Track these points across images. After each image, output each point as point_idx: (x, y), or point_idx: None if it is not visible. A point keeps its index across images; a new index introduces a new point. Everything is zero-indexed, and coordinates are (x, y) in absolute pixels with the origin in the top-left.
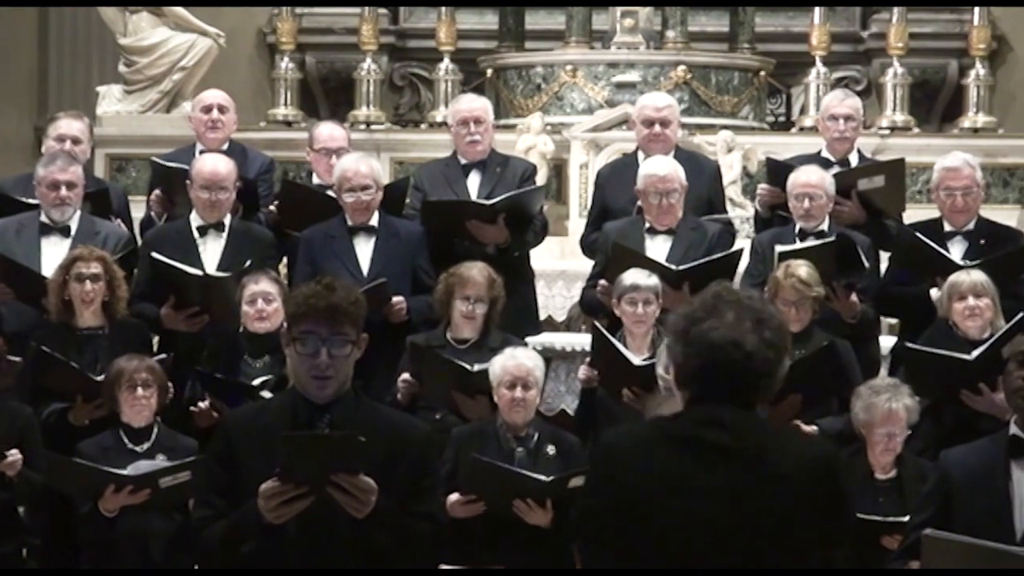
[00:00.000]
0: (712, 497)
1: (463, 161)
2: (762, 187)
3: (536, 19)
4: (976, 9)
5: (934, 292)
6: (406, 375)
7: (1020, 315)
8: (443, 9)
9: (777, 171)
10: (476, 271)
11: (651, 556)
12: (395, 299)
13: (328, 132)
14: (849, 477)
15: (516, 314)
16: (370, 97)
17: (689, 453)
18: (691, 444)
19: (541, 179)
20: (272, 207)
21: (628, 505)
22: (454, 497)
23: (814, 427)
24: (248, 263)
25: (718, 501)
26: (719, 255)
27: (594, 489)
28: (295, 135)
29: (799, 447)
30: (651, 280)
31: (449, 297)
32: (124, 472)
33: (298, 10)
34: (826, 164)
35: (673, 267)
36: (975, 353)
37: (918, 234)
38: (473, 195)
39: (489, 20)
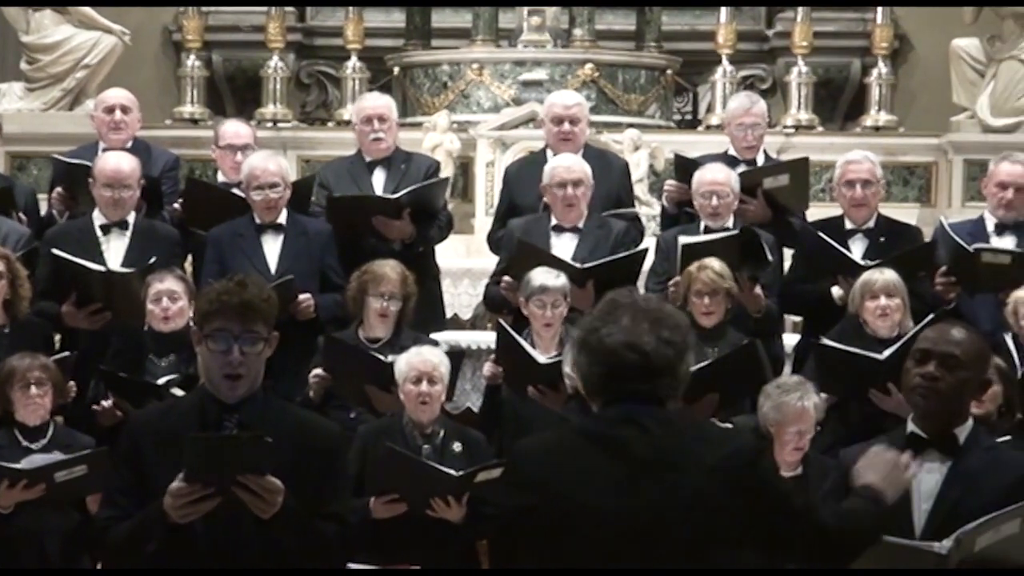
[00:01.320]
0: (628, 494)
1: (368, 159)
2: (669, 183)
3: (443, 17)
4: (879, 8)
5: (835, 290)
6: (318, 370)
7: (930, 316)
8: (350, 7)
9: (684, 167)
10: (389, 268)
11: (572, 556)
12: (302, 296)
13: (233, 129)
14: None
15: (421, 310)
16: (277, 95)
17: (605, 451)
18: (606, 443)
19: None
20: (177, 205)
21: (547, 506)
22: (375, 499)
23: (729, 425)
24: (152, 260)
25: (634, 498)
26: (624, 254)
27: (512, 493)
28: (201, 133)
29: (717, 440)
30: (560, 281)
31: (362, 295)
32: (18, 466)
33: (204, 8)
34: (733, 162)
35: (577, 265)
36: (887, 353)
37: (821, 234)
38: (378, 192)
39: (396, 18)
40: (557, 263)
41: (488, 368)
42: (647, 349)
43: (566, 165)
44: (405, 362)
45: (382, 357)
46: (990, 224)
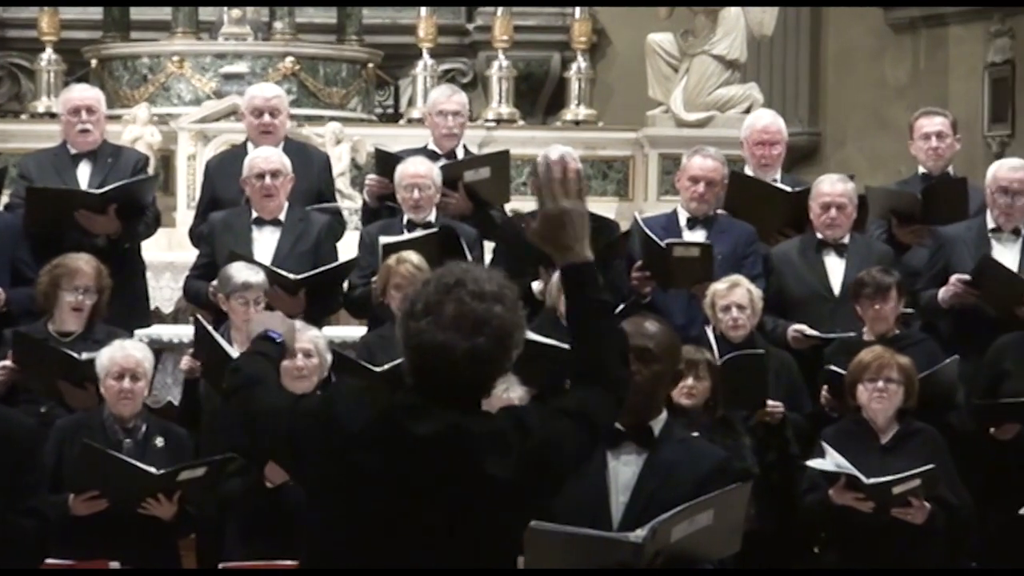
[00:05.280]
0: (420, 494)
1: (73, 151)
2: (370, 178)
3: (142, 9)
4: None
5: (535, 284)
6: (6, 361)
7: (621, 307)
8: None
9: (385, 162)
10: (83, 262)
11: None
12: None
13: None
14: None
15: (127, 307)
16: None
17: (403, 447)
18: (412, 449)
19: (150, 170)
20: None
21: (341, 482)
22: (74, 496)
23: None
24: None
25: (425, 498)
26: (335, 264)
27: (311, 439)
28: None
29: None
30: (260, 277)
31: (55, 289)
32: None
33: None
34: (434, 156)
35: (292, 276)
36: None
37: (519, 232)
38: (83, 185)
39: (93, 10)
40: (271, 275)
41: (185, 362)
42: (458, 357)
43: (263, 156)
44: (108, 357)
45: (75, 354)
46: (683, 218)
